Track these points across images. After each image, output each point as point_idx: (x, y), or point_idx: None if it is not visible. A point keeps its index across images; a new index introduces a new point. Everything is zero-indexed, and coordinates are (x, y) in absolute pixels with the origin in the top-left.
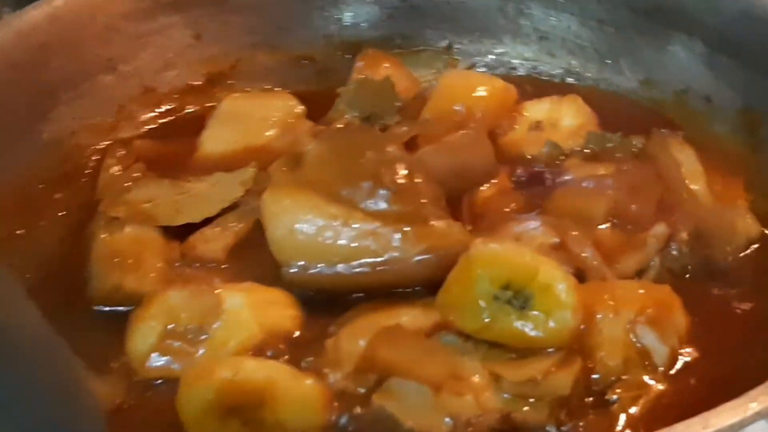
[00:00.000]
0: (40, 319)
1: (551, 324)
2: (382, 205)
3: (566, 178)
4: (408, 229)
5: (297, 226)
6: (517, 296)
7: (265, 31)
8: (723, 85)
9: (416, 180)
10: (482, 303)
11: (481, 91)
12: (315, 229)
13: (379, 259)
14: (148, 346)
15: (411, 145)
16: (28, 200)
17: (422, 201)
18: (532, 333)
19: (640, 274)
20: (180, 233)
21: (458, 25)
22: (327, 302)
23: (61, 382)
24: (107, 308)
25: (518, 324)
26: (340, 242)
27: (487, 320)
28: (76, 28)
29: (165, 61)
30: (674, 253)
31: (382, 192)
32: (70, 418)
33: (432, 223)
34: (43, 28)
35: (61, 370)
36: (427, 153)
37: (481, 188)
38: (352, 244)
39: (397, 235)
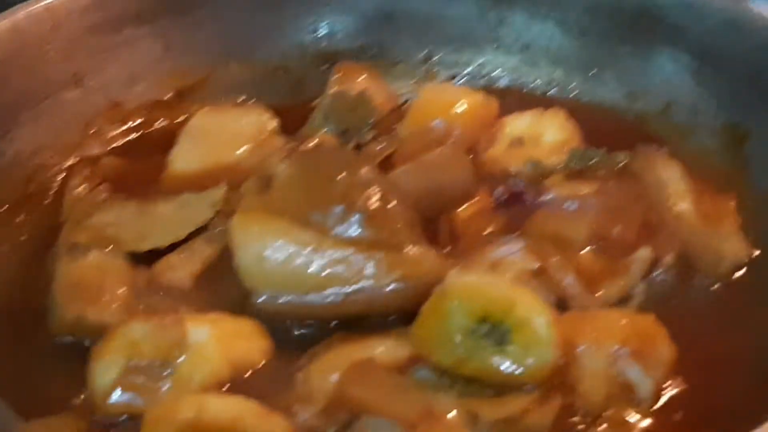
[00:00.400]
0: None
1: (529, 360)
2: (355, 231)
3: (547, 197)
4: (381, 256)
5: (266, 253)
6: (494, 330)
7: (238, 42)
8: (709, 97)
9: (390, 204)
10: (457, 337)
11: (461, 106)
12: (285, 257)
13: (351, 288)
14: (110, 382)
15: (386, 164)
16: None
17: (396, 226)
18: (510, 369)
19: (623, 300)
20: (146, 258)
21: (437, 34)
22: (297, 333)
23: None
24: (69, 340)
25: (495, 359)
26: (310, 270)
27: (462, 355)
28: (38, 43)
29: (132, 74)
30: (659, 278)
31: (354, 217)
32: None
33: (406, 250)
34: (2, 42)
35: None
36: (402, 173)
37: (460, 208)
38: (324, 273)
39: (371, 263)
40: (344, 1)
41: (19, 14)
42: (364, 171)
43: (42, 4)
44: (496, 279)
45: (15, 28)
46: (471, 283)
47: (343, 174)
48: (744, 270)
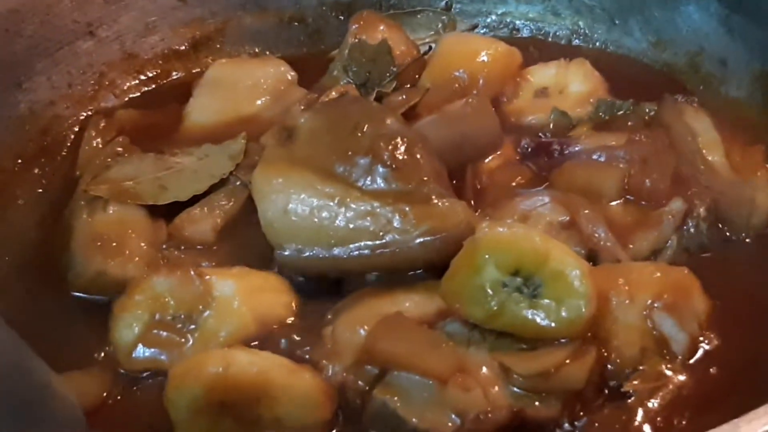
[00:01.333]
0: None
1: (564, 313)
2: (381, 183)
3: (575, 149)
4: (408, 209)
5: (290, 206)
6: (527, 283)
7: None
8: (739, 47)
9: (417, 155)
10: (489, 290)
11: (484, 56)
12: (309, 210)
13: (378, 242)
14: (134, 337)
15: (409, 115)
16: (4, 177)
17: (423, 178)
18: (544, 323)
19: (655, 254)
20: (166, 212)
21: None
22: (323, 287)
23: (24, 394)
24: (90, 295)
25: (528, 313)
26: (336, 223)
27: (495, 308)
28: None
29: (147, 24)
30: (692, 230)
31: (380, 169)
32: (41, 427)
33: (434, 202)
34: None
35: (25, 381)
36: (427, 124)
37: (485, 160)
38: (350, 226)
39: (397, 216)
40: None
41: None
42: (390, 122)
43: None
44: (528, 231)
45: None
46: (503, 235)
47: (368, 125)
48: None
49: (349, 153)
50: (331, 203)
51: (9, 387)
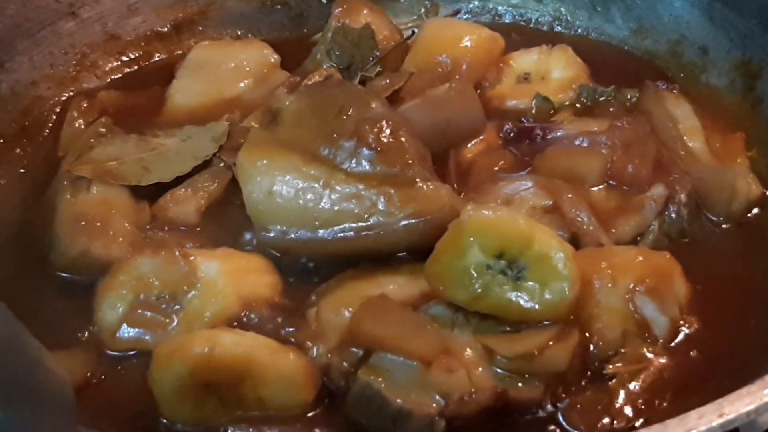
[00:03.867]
0: None
1: (547, 296)
2: (366, 166)
3: (557, 134)
4: (393, 191)
5: (275, 188)
6: (511, 266)
7: None
8: (720, 35)
9: (401, 138)
10: (474, 273)
11: (467, 41)
12: (294, 191)
13: (362, 224)
14: (118, 317)
15: (393, 99)
16: None
17: (408, 161)
18: (527, 305)
19: (637, 239)
20: (149, 194)
21: None
22: (307, 269)
23: (16, 369)
24: (73, 275)
25: (512, 295)
26: (321, 205)
27: (479, 291)
28: None
29: (130, 6)
30: (673, 216)
31: (365, 151)
32: (31, 403)
33: (419, 185)
34: None
35: (17, 356)
36: (410, 108)
37: (468, 145)
38: (335, 208)
39: (382, 198)
40: None
41: None
42: (374, 105)
43: None
44: (512, 214)
45: None
46: (487, 218)
47: (353, 108)
48: (756, 209)
49: (334, 135)
50: (316, 185)
51: (1, 362)
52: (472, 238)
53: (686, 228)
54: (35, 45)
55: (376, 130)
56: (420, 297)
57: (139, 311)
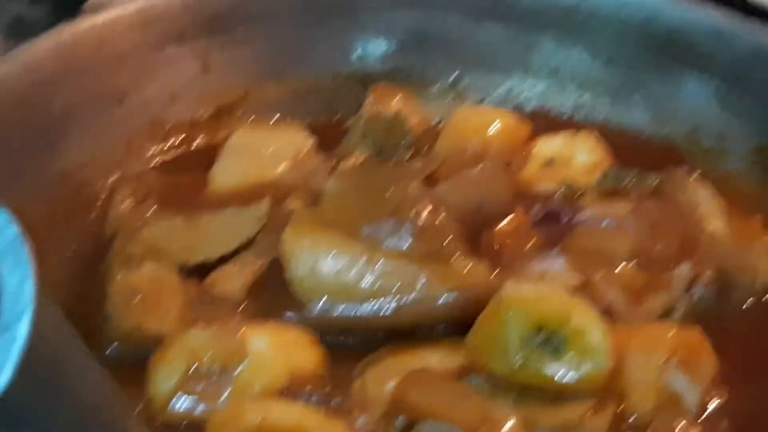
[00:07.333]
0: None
1: (585, 368)
2: (406, 244)
3: (584, 216)
4: (433, 268)
5: (319, 264)
6: (550, 340)
7: (274, 63)
8: (736, 122)
9: (439, 218)
10: (514, 346)
11: (495, 127)
12: (338, 268)
13: (403, 299)
14: (171, 388)
15: (427, 181)
16: (36, 237)
17: (446, 240)
18: (566, 377)
19: (665, 315)
20: (196, 272)
21: (467, 58)
22: (349, 342)
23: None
24: (124, 350)
25: (551, 367)
26: (363, 281)
27: (518, 364)
28: (83, 60)
29: (173, 93)
30: (699, 293)
31: (405, 230)
32: None
33: (457, 262)
34: (50, 60)
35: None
36: (445, 189)
37: (499, 225)
38: (377, 284)
39: (422, 275)
40: (378, 26)
41: (65, 33)
42: (413, 186)
43: (87, 23)
44: (552, 290)
45: (61, 46)
46: (528, 293)
47: (393, 189)
48: None
49: (375, 215)
50: (359, 262)
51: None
52: (512, 313)
53: (712, 305)
54: (85, 130)
55: (415, 210)
56: (461, 370)
57: (192, 382)
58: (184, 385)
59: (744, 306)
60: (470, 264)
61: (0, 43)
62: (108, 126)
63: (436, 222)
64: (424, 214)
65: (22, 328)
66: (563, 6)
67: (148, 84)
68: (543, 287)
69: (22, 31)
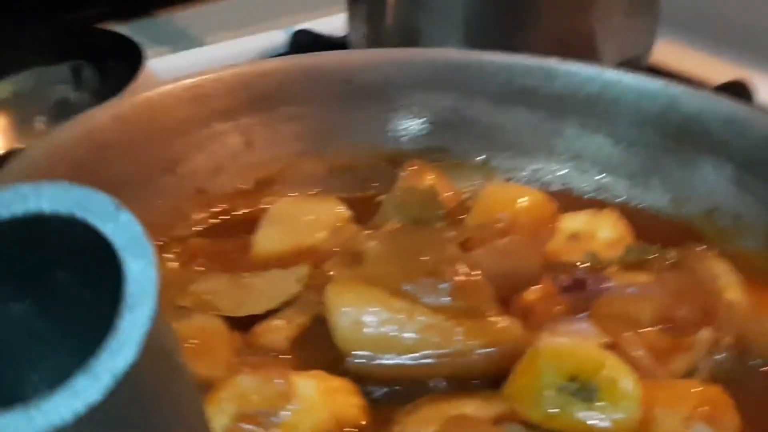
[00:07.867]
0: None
1: (617, 415)
2: (444, 300)
3: (609, 284)
4: (469, 324)
5: (362, 318)
6: (583, 388)
7: (313, 140)
8: (752, 202)
9: (475, 277)
10: (548, 394)
11: (523, 201)
12: (380, 322)
13: (442, 352)
14: (221, 428)
15: (462, 247)
16: None
17: (481, 297)
18: (598, 424)
19: (688, 375)
20: (243, 324)
21: (495, 141)
22: (389, 392)
23: None
24: None
25: (584, 414)
26: (404, 335)
27: (553, 410)
28: (139, 130)
29: (218, 165)
30: (719, 357)
31: (443, 288)
32: None
33: (492, 319)
34: (108, 128)
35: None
36: (479, 255)
37: (527, 292)
38: (417, 337)
39: (459, 329)
40: (412, 110)
41: (123, 104)
42: (450, 247)
43: (143, 96)
44: (585, 342)
45: (119, 116)
46: (563, 344)
47: (431, 250)
48: None
49: (415, 274)
50: (400, 317)
51: None
52: (547, 362)
53: (732, 369)
54: (137, 195)
55: (452, 269)
56: (497, 417)
57: (241, 423)
58: (235, 426)
59: (762, 370)
60: (504, 320)
61: (44, 125)
62: (158, 193)
63: (472, 281)
64: (461, 273)
65: (147, 309)
66: (585, 94)
67: (196, 155)
68: (576, 339)
69: (66, 113)
